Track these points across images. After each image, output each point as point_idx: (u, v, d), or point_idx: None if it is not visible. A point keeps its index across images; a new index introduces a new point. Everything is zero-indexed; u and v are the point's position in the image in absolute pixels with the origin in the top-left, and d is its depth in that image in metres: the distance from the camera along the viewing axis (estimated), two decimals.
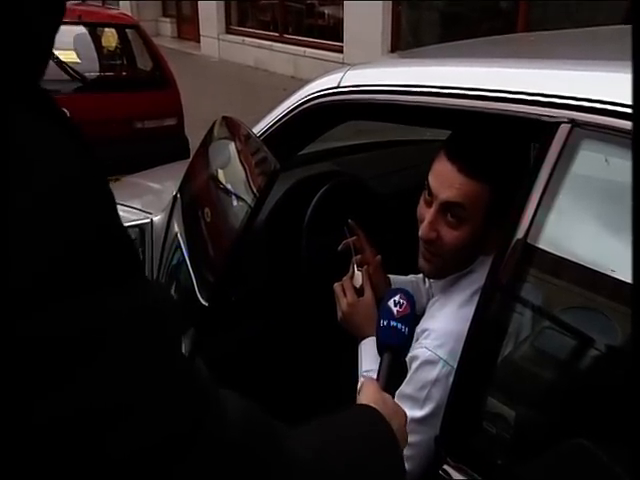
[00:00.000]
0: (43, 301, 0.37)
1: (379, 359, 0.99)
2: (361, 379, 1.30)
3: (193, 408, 0.43)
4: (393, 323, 1.00)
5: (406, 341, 1.02)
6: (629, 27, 0.38)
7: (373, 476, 0.63)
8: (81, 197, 0.40)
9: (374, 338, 1.34)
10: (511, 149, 1.15)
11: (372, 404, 0.76)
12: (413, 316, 1.03)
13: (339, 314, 1.38)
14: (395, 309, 1.02)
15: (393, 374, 0.95)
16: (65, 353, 0.37)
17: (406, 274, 1.54)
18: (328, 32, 9.52)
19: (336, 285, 1.40)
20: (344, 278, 1.42)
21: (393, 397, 0.86)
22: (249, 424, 0.48)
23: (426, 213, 1.18)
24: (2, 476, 0.37)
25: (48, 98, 0.44)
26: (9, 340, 0.36)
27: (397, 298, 1.03)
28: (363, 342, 1.33)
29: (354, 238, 1.48)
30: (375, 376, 0.95)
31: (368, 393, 0.83)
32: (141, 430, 0.39)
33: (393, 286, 1.49)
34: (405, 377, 1.14)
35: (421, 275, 1.51)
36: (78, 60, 4.64)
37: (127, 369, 0.40)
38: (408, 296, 1.04)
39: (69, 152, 0.41)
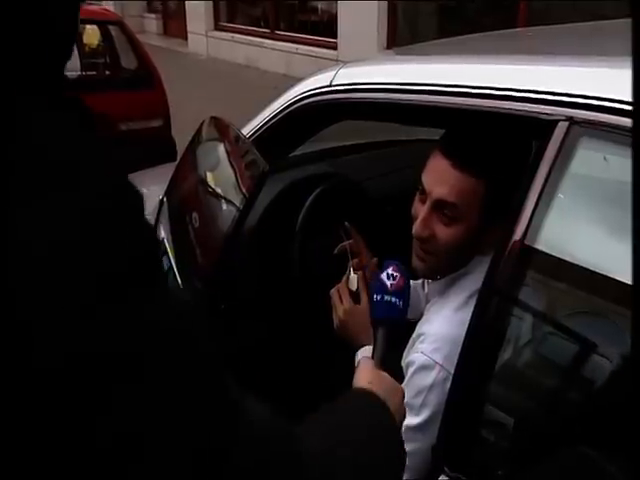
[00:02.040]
0: (94, 309, 0.38)
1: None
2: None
3: (222, 428, 0.45)
4: (387, 297, 0.99)
5: (401, 314, 1.01)
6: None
7: (375, 467, 0.67)
8: (130, 204, 0.42)
9: (371, 347, 1.35)
10: (508, 147, 1.17)
11: (369, 384, 0.81)
12: (407, 289, 1.02)
13: (335, 322, 1.40)
14: (388, 282, 1.01)
15: (389, 349, 0.95)
16: (112, 366, 0.38)
17: None
18: (322, 28, 9.56)
19: (333, 291, 1.42)
20: (340, 284, 1.43)
21: (389, 373, 0.88)
22: (271, 437, 0.52)
23: (420, 211, 1.20)
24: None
25: (76, 97, 0.46)
26: (60, 355, 0.37)
27: (390, 271, 1.01)
28: (359, 351, 1.34)
29: (350, 241, 1.50)
30: (370, 354, 0.96)
31: (365, 373, 0.87)
32: (172, 453, 0.41)
33: None
34: (397, 377, 1.16)
35: (420, 281, 1.53)
36: None
37: (163, 385, 0.41)
38: (401, 268, 1.03)
39: (112, 159, 0.43)
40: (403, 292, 1.01)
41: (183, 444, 0.42)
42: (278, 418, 0.54)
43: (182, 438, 0.42)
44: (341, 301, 1.39)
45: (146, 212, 0.44)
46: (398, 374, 1.21)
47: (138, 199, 0.43)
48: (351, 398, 0.77)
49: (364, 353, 1.32)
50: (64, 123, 0.42)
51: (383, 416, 0.73)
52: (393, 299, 0.99)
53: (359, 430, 0.68)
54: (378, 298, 1.00)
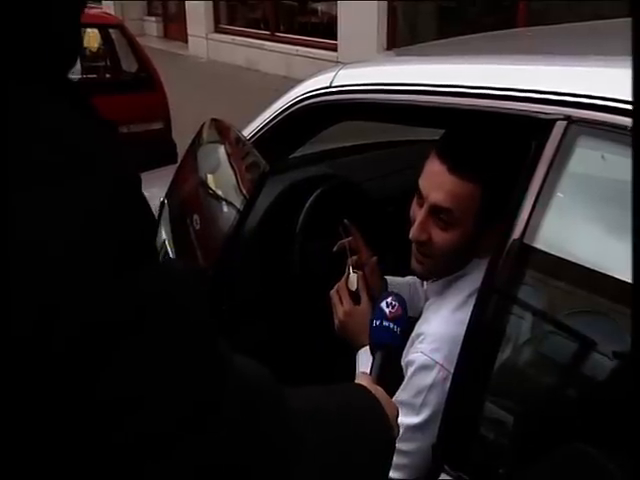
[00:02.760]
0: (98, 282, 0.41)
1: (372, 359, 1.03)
2: None
3: (209, 392, 0.47)
4: (385, 323, 1.05)
5: (398, 340, 1.07)
6: (629, 20, 0.40)
7: (359, 445, 0.68)
8: (134, 193, 0.46)
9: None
10: (506, 150, 1.17)
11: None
12: (405, 318, 1.08)
13: (336, 323, 1.40)
14: (387, 310, 1.06)
15: (385, 373, 0.99)
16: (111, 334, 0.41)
17: (403, 276, 1.56)
18: (322, 30, 9.56)
19: (332, 292, 1.42)
20: (339, 284, 1.43)
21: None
22: (263, 390, 0.54)
23: (417, 214, 1.21)
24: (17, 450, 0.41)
25: (80, 92, 0.49)
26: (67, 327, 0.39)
27: (389, 300, 1.07)
28: (360, 352, 1.35)
29: (349, 239, 1.51)
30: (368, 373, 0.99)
31: (363, 382, 0.87)
32: (158, 415, 0.44)
33: (390, 288, 1.52)
34: (396, 377, 1.17)
35: None
36: None
37: (155, 351, 0.44)
38: (400, 299, 1.08)
39: (120, 151, 0.47)
40: (401, 320, 1.07)
41: (174, 396, 0.44)
42: (270, 374, 0.56)
43: (173, 390, 0.44)
44: (341, 302, 1.39)
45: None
46: (397, 373, 1.22)
47: (138, 177, 0.47)
48: (344, 384, 0.79)
49: (364, 353, 1.32)
50: (78, 116, 0.46)
51: (374, 404, 0.74)
52: (391, 325, 1.05)
53: (346, 405, 0.70)
54: (377, 323, 1.07)
